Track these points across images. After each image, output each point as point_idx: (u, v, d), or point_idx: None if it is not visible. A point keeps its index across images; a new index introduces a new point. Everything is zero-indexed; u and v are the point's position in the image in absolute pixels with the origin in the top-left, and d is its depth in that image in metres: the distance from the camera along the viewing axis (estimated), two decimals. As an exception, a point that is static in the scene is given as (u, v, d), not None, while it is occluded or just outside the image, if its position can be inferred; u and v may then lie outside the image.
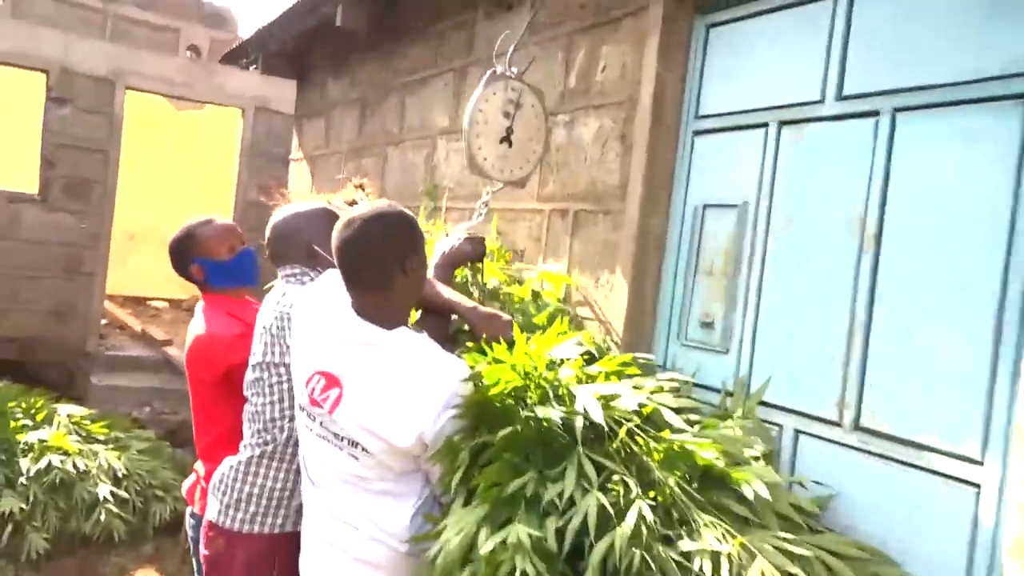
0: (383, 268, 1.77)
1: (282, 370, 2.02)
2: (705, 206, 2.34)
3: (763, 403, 2.10)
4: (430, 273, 2.21)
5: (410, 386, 1.71)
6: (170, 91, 8.36)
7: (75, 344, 8.04)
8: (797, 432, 2.01)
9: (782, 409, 2.06)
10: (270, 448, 2.04)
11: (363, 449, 1.74)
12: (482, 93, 2.56)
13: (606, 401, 1.76)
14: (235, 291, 2.46)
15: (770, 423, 2.08)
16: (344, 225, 1.79)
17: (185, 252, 2.42)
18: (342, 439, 1.77)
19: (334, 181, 4.97)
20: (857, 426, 1.87)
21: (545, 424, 1.68)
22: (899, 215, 1.82)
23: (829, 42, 2.02)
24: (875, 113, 1.89)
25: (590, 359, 2.00)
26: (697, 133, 2.42)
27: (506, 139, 2.52)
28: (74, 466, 5.03)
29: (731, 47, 2.34)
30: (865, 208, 1.89)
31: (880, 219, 1.85)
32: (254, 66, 5.67)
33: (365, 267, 1.78)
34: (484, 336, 1.93)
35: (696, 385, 2.31)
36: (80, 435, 5.43)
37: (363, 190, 3.91)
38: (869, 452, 1.83)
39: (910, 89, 1.82)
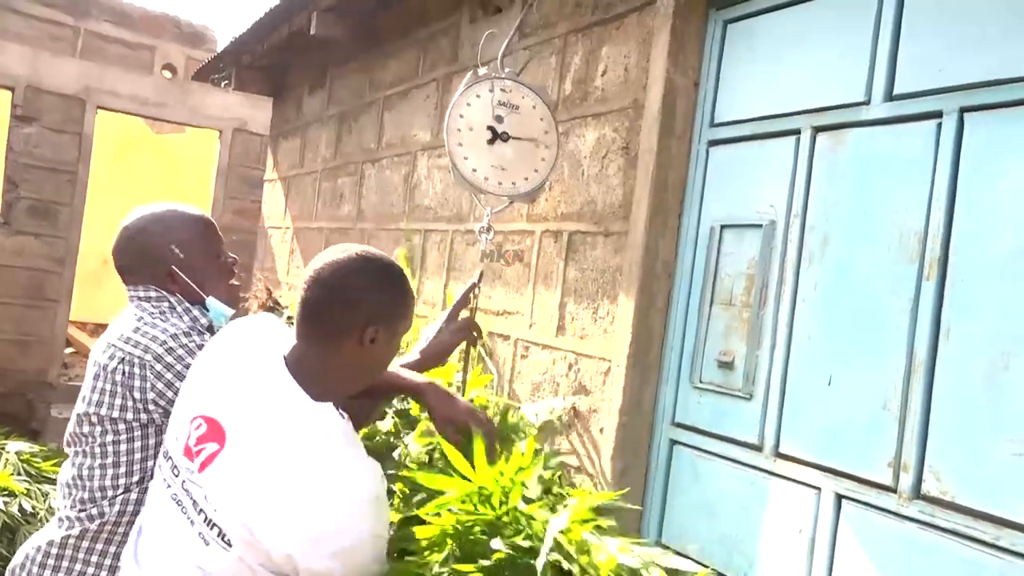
0: (336, 322, 1.37)
1: (120, 427, 1.56)
2: (723, 226, 2.02)
3: (796, 460, 1.77)
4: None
5: (306, 490, 1.27)
6: (144, 111, 7.97)
7: (36, 374, 7.60)
8: (839, 498, 1.67)
9: (819, 468, 1.72)
10: (95, 525, 1.57)
11: (221, 535, 1.29)
12: (461, 96, 2.23)
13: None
14: None
15: (804, 484, 1.74)
16: (332, 251, 1.41)
17: None
18: (199, 511, 1.32)
19: (308, 202, 4.64)
20: (918, 494, 1.53)
21: None
22: (969, 235, 1.50)
23: (876, 33, 1.71)
24: (936, 115, 1.57)
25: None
26: (713, 143, 2.11)
27: (500, 146, 2.18)
28: (20, 508, 4.65)
29: (753, 45, 2.03)
30: (925, 227, 1.56)
31: (945, 240, 1.53)
32: (227, 82, 5.35)
33: (319, 310, 1.37)
34: (439, 423, 1.53)
35: (714, 436, 1.97)
36: (29, 474, 5.06)
37: None
38: (933, 527, 1.49)
39: (980, 85, 1.51)
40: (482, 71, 2.23)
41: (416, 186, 3.41)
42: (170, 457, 1.41)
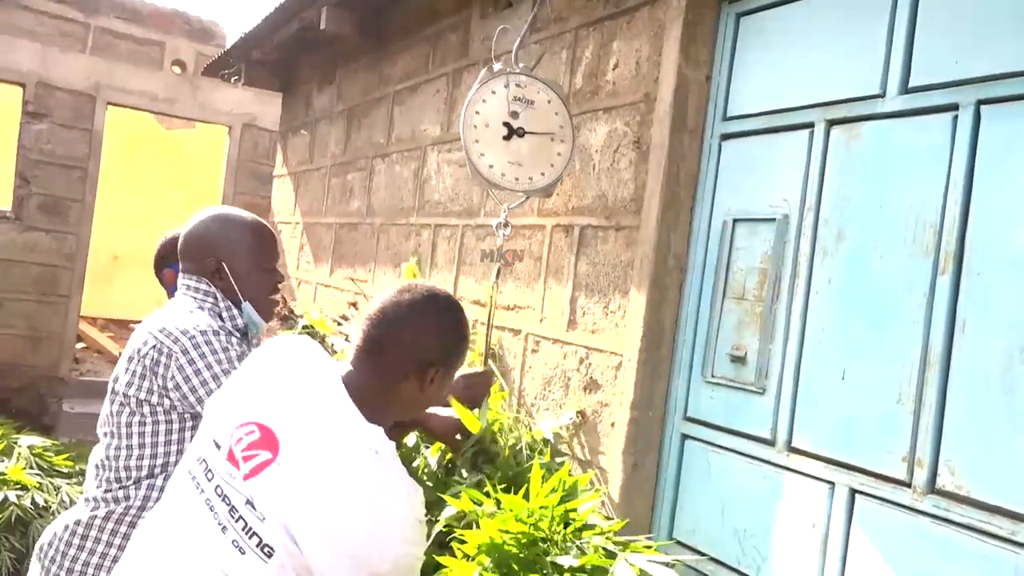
0: (399, 362, 1.43)
1: (146, 410, 1.66)
2: (735, 220, 2.01)
3: (809, 455, 1.76)
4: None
5: (355, 508, 1.30)
6: (153, 107, 8.04)
7: (48, 369, 7.65)
8: (853, 492, 1.66)
9: (833, 463, 1.71)
10: (121, 508, 1.64)
11: (261, 545, 1.28)
12: (477, 93, 2.24)
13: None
14: None
15: (817, 479, 1.73)
16: (398, 289, 1.47)
17: (169, 256, 2.18)
18: (238, 519, 1.30)
19: (318, 197, 4.65)
20: (933, 488, 1.52)
21: None
22: (985, 229, 1.49)
23: (891, 24, 1.70)
24: (953, 107, 1.56)
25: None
26: (725, 137, 2.10)
27: (516, 141, 2.18)
28: (32, 502, 4.69)
29: (766, 37, 2.02)
30: (940, 222, 1.55)
31: (961, 234, 1.52)
32: (236, 77, 5.36)
33: (383, 349, 1.43)
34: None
35: (726, 430, 1.97)
36: (41, 468, 5.10)
37: (355, 308, 3.62)
38: (948, 522, 1.48)
39: (998, 77, 1.50)
40: (496, 67, 2.24)
41: (426, 181, 3.41)
42: (204, 460, 1.40)
